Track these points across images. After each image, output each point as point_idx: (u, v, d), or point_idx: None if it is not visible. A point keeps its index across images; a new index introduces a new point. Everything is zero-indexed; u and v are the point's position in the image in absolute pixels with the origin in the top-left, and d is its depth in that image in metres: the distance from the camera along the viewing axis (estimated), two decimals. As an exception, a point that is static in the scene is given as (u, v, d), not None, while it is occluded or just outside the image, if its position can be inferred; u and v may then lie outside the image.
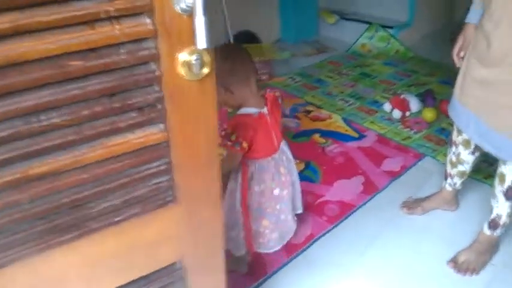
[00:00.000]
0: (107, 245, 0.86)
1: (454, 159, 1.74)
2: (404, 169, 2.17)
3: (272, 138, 1.41)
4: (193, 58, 0.75)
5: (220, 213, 0.97)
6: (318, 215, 1.88)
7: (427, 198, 1.91)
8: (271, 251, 1.55)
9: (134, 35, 0.70)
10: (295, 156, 2.16)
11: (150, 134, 0.79)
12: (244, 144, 1.30)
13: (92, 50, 0.68)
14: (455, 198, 1.89)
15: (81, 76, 0.69)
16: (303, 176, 2.10)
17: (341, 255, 1.71)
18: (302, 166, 2.18)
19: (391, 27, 3.48)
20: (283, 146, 1.49)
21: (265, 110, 1.38)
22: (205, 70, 0.78)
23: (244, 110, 1.36)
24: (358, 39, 3.56)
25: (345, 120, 2.59)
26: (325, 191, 2.02)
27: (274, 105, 1.43)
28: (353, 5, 3.77)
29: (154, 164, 0.83)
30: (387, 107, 2.65)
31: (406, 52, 3.41)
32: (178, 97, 0.79)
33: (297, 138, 2.41)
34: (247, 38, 3.17)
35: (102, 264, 0.87)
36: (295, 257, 1.70)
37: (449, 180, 1.81)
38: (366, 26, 3.55)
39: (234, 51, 1.37)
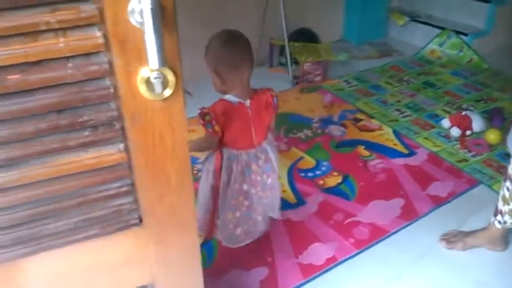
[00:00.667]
0: (68, 262, 0.82)
1: (507, 195, 1.51)
2: (453, 196, 1.94)
3: (249, 133, 1.39)
4: (153, 76, 0.67)
5: (194, 234, 0.89)
6: (344, 237, 1.74)
7: (472, 233, 1.69)
8: (235, 246, 1.53)
9: (82, 49, 0.64)
10: (333, 168, 2.03)
11: (107, 154, 0.73)
12: (216, 128, 1.31)
13: (34, 63, 0.63)
14: (504, 238, 1.65)
15: (22, 91, 0.63)
16: (337, 190, 1.96)
17: (362, 284, 1.56)
18: (339, 179, 2.04)
19: (465, 34, 3.14)
20: (267, 146, 1.46)
21: (247, 102, 1.37)
22: (168, 91, 0.69)
23: (227, 97, 1.36)
24: (427, 44, 3.27)
25: (395, 133, 2.38)
26: (358, 211, 1.86)
27: (266, 104, 1.42)
28: (427, 6, 3.47)
29: (114, 185, 0.77)
30: (446, 123, 2.39)
31: (480, 62, 3.06)
32: (140, 117, 0.71)
33: (339, 148, 2.26)
34: (304, 36, 3.03)
35: (65, 281, 0.84)
36: (312, 279, 1.58)
37: (499, 217, 1.58)
38: (438, 30, 3.25)
39: (234, 39, 1.36)
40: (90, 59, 0.65)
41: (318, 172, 2.09)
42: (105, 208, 0.78)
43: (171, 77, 0.69)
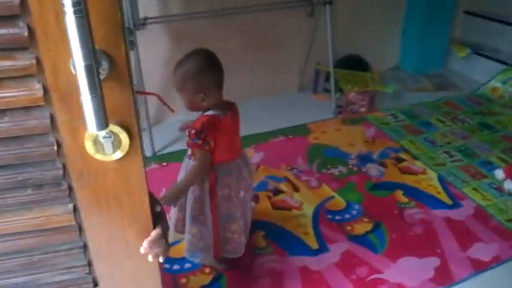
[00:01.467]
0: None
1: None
2: (497, 261, 1.70)
3: (236, 142, 1.48)
4: (101, 136, 0.58)
5: None
6: (364, 296, 1.56)
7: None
8: (238, 255, 1.55)
9: (18, 102, 0.55)
10: (364, 212, 1.86)
11: (54, 215, 0.65)
12: (212, 143, 1.34)
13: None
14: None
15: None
16: (365, 240, 1.79)
17: None
18: (369, 227, 1.86)
19: (534, 72, 2.83)
20: (244, 151, 1.55)
21: (228, 113, 1.41)
22: (119, 154, 0.60)
23: (210, 112, 1.38)
24: (489, 81, 2.98)
25: (441, 179, 2.16)
26: (385, 267, 1.68)
27: (235, 113, 1.48)
28: (492, 39, 3.18)
29: (63, 247, 0.68)
30: (500, 174, 2.13)
31: (549, 105, 2.74)
32: (89, 177, 0.63)
33: (374, 191, 2.07)
34: (353, 63, 2.88)
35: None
36: None
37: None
38: (503, 66, 2.95)
39: (212, 58, 1.38)
40: (30, 113, 0.57)
41: (347, 216, 1.92)
42: (54, 270, 0.70)
43: (124, 137, 0.59)
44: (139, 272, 0.73)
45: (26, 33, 0.50)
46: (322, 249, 1.75)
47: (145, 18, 2.23)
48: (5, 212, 0.63)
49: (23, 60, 0.53)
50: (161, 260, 0.73)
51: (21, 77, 0.54)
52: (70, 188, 0.63)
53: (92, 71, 0.49)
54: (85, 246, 0.69)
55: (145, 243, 0.70)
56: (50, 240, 0.67)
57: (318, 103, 2.90)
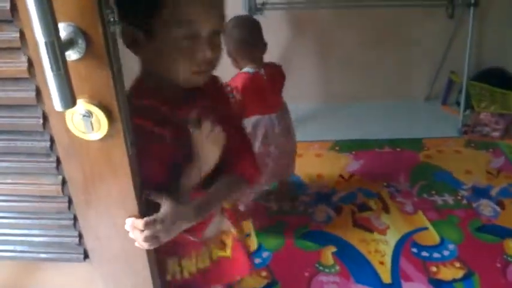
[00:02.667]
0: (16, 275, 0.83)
1: None
2: None
3: (266, 98, 1.67)
4: (79, 114, 0.60)
5: (148, 280, 0.79)
6: None
7: None
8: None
9: (6, 73, 0.60)
10: (459, 256, 1.65)
11: (45, 184, 0.70)
12: (238, 96, 1.56)
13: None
14: None
15: None
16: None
17: None
18: (459, 274, 1.62)
19: None
20: (285, 114, 1.76)
21: (262, 71, 1.66)
22: (97, 135, 0.61)
23: (244, 70, 1.65)
24: None
25: None
26: (466, 326, 1.46)
27: (277, 75, 1.73)
28: None
29: (55, 216, 0.73)
30: None
31: None
32: (74, 153, 0.66)
33: (480, 233, 1.80)
34: (496, 78, 2.52)
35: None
36: None
37: None
38: None
39: (249, 25, 1.69)
40: (18, 84, 0.61)
41: (436, 255, 1.71)
42: (47, 236, 0.75)
43: (102, 118, 0.60)
44: (128, 252, 0.75)
45: (8, 6, 0.53)
46: (395, 285, 1.60)
47: (264, 4, 2.25)
48: (1, 174, 0.69)
49: (8, 33, 0.57)
50: (149, 246, 0.73)
51: (8, 48, 0.58)
52: (58, 161, 0.66)
53: (53, 48, 0.50)
54: (75, 218, 0.72)
55: (128, 222, 0.71)
56: (42, 208, 0.72)
57: (444, 117, 2.62)
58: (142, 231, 0.72)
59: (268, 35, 2.43)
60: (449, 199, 1.97)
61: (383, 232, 1.81)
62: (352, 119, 2.64)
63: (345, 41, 2.57)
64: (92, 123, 0.61)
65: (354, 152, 2.32)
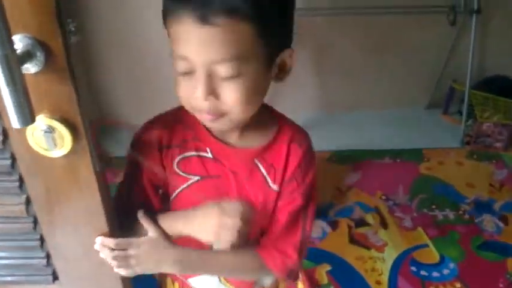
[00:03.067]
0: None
1: None
2: None
3: None
4: (40, 129, 0.56)
5: None
6: None
7: None
8: None
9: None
10: (459, 275, 1.62)
11: (9, 204, 0.67)
12: None
13: None
14: None
15: None
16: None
17: None
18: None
19: None
20: None
21: None
22: (63, 151, 0.58)
23: None
24: None
25: None
26: None
27: None
28: None
29: (20, 237, 0.70)
30: None
31: None
32: (37, 171, 0.62)
33: (482, 251, 1.76)
34: (498, 86, 2.49)
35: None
36: None
37: None
38: None
39: None
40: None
41: (435, 274, 1.67)
42: (13, 258, 0.72)
43: (65, 133, 0.57)
44: (99, 272, 0.72)
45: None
46: (392, 305, 1.56)
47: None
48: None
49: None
50: (119, 267, 0.70)
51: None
52: (21, 179, 0.63)
53: (8, 62, 0.47)
54: (42, 239, 0.69)
55: (98, 240, 0.68)
56: (6, 229, 0.68)
57: (445, 126, 2.59)
58: (113, 250, 0.69)
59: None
60: (450, 214, 1.94)
61: (380, 249, 1.77)
62: (351, 128, 2.61)
63: (343, 49, 2.54)
64: (54, 140, 0.58)
65: (352, 163, 2.28)
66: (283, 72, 0.70)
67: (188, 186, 0.77)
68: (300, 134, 0.79)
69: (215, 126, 0.70)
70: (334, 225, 1.89)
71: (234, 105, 0.64)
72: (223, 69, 0.61)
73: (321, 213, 1.95)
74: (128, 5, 2.24)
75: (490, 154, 2.32)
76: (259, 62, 0.64)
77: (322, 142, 2.44)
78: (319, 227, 1.88)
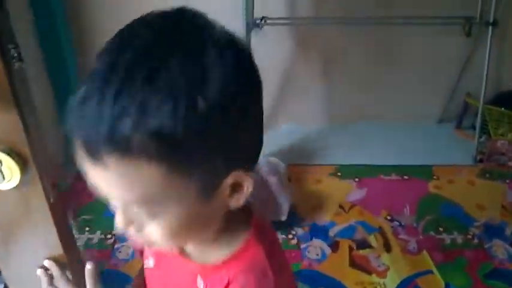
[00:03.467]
0: None
1: None
2: None
3: None
4: (-13, 161, 0.52)
5: None
6: None
7: None
8: None
9: None
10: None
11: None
12: None
13: None
14: None
15: None
16: None
17: None
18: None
19: None
20: None
21: None
22: (12, 183, 0.54)
23: None
24: None
25: None
26: None
27: None
28: None
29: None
30: None
31: None
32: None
33: (490, 279, 1.68)
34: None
35: None
36: None
37: None
38: None
39: None
40: None
41: (440, 302, 1.61)
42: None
43: (13, 165, 0.53)
44: None
45: None
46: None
47: (263, 19, 2.18)
48: None
49: None
50: None
51: None
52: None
53: None
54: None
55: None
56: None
57: (458, 142, 2.52)
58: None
59: (268, 53, 2.36)
60: (458, 238, 1.87)
61: (382, 274, 1.71)
62: (357, 141, 2.55)
63: (352, 59, 2.49)
64: (2, 172, 0.54)
65: (357, 179, 2.23)
66: (239, 193, 0.55)
67: (145, 268, 0.71)
68: (246, 275, 0.60)
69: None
70: (334, 246, 1.83)
71: (160, 241, 0.54)
72: (134, 209, 0.51)
73: (321, 233, 1.90)
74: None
75: (504, 173, 2.24)
76: (184, 197, 0.51)
77: (326, 155, 2.40)
78: (318, 248, 1.82)
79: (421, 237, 1.87)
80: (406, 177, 2.24)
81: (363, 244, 1.84)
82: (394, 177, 2.24)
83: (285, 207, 1.87)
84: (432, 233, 1.89)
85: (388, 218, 1.97)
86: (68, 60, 2.13)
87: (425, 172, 2.27)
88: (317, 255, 1.79)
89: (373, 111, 2.68)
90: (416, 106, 2.68)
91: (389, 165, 2.31)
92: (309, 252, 1.81)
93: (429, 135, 2.61)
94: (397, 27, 2.31)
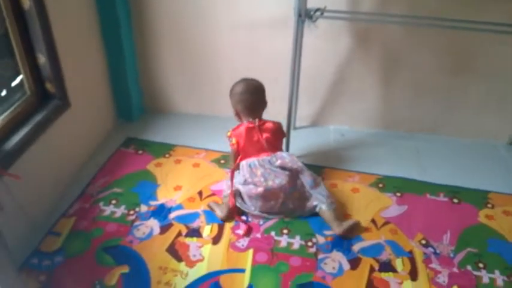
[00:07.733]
0: None
1: None
2: None
3: (254, 145, 1.95)
4: None
5: None
6: None
7: None
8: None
9: None
10: None
11: None
12: (233, 140, 1.96)
13: None
14: None
15: None
16: None
17: None
18: None
19: None
20: (279, 158, 1.92)
21: (255, 122, 1.96)
22: None
23: (242, 121, 2.00)
24: None
25: None
26: None
27: (271, 130, 1.97)
28: None
29: None
30: None
31: None
32: None
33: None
34: None
35: None
36: None
37: None
38: None
39: (254, 91, 1.99)
40: None
41: None
42: None
43: None
44: None
45: None
46: None
47: (318, 10, 1.98)
48: None
49: None
50: None
51: None
52: None
53: None
54: None
55: None
56: None
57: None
58: None
59: (321, 49, 2.17)
60: (499, 278, 1.60)
61: (400, 304, 1.50)
62: (409, 153, 2.31)
63: (417, 63, 2.23)
64: None
65: (398, 194, 2.01)
66: None
67: None
68: None
69: None
70: (354, 262, 1.65)
71: None
72: None
73: (344, 245, 1.72)
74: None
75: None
76: None
77: (371, 163, 2.18)
78: (336, 262, 1.65)
79: (455, 270, 1.63)
80: (455, 200, 1.98)
81: (387, 267, 1.64)
82: (441, 198, 1.99)
83: (310, 204, 1.86)
84: (469, 267, 1.64)
85: (423, 242, 1.74)
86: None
87: (479, 198, 1.99)
88: (333, 268, 1.62)
89: (433, 122, 2.41)
90: (485, 123, 2.37)
91: (438, 184, 2.06)
92: (325, 264, 1.64)
93: (494, 158, 2.29)
94: (471, 33, 2.01)
